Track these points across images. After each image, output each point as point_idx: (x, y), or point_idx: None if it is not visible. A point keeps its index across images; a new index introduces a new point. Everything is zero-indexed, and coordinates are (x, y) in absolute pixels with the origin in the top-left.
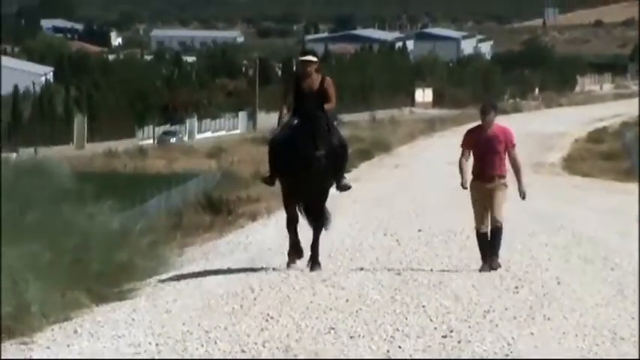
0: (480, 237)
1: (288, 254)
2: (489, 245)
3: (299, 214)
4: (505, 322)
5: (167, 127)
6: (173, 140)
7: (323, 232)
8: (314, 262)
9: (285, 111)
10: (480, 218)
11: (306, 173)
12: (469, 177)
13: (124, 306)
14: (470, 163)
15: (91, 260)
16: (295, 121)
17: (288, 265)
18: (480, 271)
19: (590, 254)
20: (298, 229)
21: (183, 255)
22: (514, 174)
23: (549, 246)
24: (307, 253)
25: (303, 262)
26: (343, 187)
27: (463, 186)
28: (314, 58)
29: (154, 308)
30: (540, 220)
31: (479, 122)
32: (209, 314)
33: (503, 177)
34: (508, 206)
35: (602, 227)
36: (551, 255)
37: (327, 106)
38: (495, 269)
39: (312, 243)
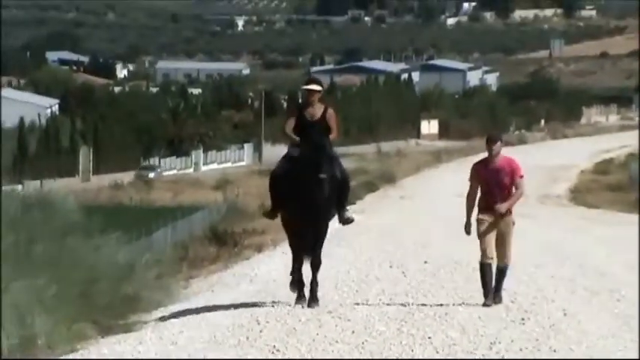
0: (484, 269)
1: (291, 284)
2: (495, 282)
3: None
4: (511, 354)
5: (145, 162)
6: (152, 175)
7: (323, 266)
8: (312, 299)
9: (293, 135)
10: (485, 251)
11: (307, 201)
12: (473, 221)
13: (129, 338)
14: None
15: (98, 293)
16: (296, 153)
17: (298, 298)
18: (483, 306)
19: (596, 286)
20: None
21: (189, 287)
22: (512, 195)
23: (555, 277)
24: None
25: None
26: (346, 220)
27: (467, 230)
28: (318, 87)
29: (160, 340)
30: (547, 252)
31: (485, 154)
32: (215, 346)
33: (510, 211)
34: (514, 238)
35: (609, 259)
36: (557, 286)
37: (331, 137)
38: (498, 303)
39: (311, 282)
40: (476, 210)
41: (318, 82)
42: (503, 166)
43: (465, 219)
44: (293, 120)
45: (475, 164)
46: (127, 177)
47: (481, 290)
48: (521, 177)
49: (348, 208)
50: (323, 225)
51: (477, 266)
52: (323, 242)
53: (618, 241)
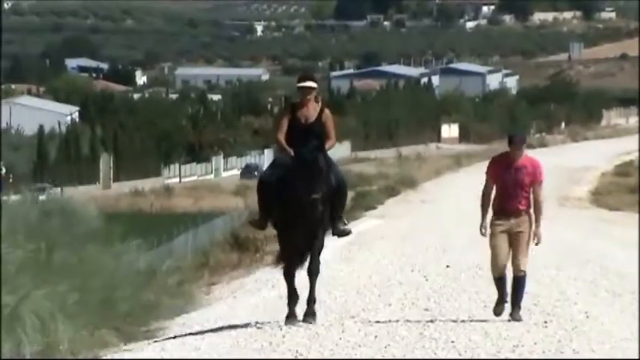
0: (497, 282)
1: (288, 305)
2: (512, 294)
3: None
4: (535, 356)
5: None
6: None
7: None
8: (307, 313)
9: (285, 144)
10: (497, 263)
11: (299, 217)
12: (488, 220)
13: (152, 345)
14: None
15: (119, 299)
16: (288, 160)
17: (288, 318)
18: (495, 313)
19: (617, 288)
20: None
21: (210, 293)
22: (534, 212)
23: (577, 280)
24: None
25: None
26: (341, 233)
27: (482, 231)
28: (313, 84)
29: (183, 346)
30: (568, 254)
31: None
32: (238, 352)
33: (529, 213)
34: (533, 242)
35: (630, 261)
36: (579, 289)
37: (327, 145)
38: (518, 321)
39: (309, 294)
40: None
41: (313, 79)
42: (525, 164)
43: (479, 220)
44: (286, 122)
45: (493, 159)
46: (147, 184)
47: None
48: (541, 182)
49: (344, 218)
50: (317, 242)
51: None
52: (321, 250)
53: (637, 242)
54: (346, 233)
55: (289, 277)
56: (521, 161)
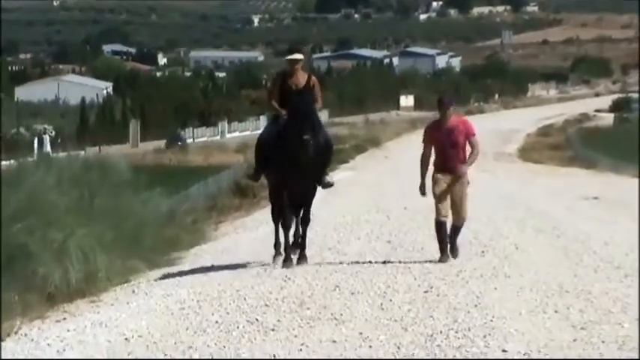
0: (439, 226)
1: (275, 247)
2: (450, 238)
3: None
4: (474, 280)
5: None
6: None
7: (324, 211)
8: (300, 257)
9: (277, 106)
10: (440, 209)
11: (294, 164)
12: (428, 182)
13: (171, 270)
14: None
15: (146, 235)
16: (282, 119)
17: (274, 260)
18: (439, 262)
19: (541, 225)
20: (289, 227)
21: (218, 230)
22: (468, 156)
23: (509, 219)
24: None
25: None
26: (326, 185)
27: (421, 191)
28: (300, 56)
29: (196, 272)
30: (501, 198)
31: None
32: (239, 276)
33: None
34: (474, 189)
35: (550, 203)
36: (510, 226)
37: (316, 105)
38: (455, 257)
39: (301, 237)
40: (431, 169)
41: (300, 51)
42: (456, 124)
43: (419, 180)
44: (277, 90)
45: (428, 126)
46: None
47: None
48: (474, 134)
49: (328, 172)
50: (309, 187)
51: None
52: (312, 202)
53: (558, 189)
54: (330, 185)
55: (278, 223)
56: (453, 123)
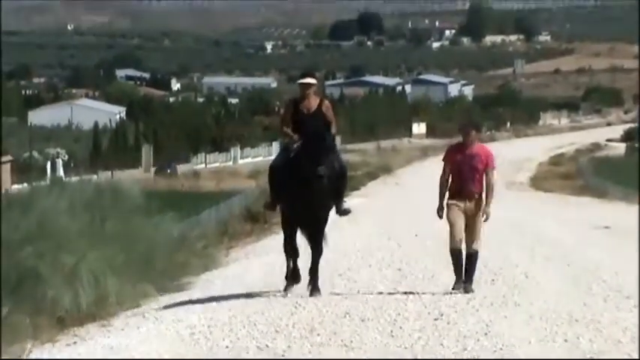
0: (454, 254)
1: (286, 278)
2: (465, 270)
3: (297, 239)
4: (484, 308)
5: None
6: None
7: (328, 244)
8: (314, 288)
9: (289, 131)
10: (455, 235)
11: (307, 192)
12: (444, 204)
13: (182, 296)
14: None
15: (157, 260)
16: (295, 145)
17: (286, 289)
18: (453, 289)
19: (551, 254)
20: (298, 255)
21: (229, 255)
22: (486, 193)
23: (519, 247)
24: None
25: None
26: (343, 212)
27: (439, 214)
28: (313, 80)
29: (206, 297)
30: (512, 227)
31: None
32: (250, 302)
33: (482, 197)
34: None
35: (561, 232)
36: (520, 254)
37: (332, 130)
38: (470, 292)
39: (311, 267)
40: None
41: (313, 76)
42: (478, 152)
43: (437, 203)
44: (289, 115)
45: (450, 147)
46: (179, 169)
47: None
48: (494, 168)
49: (345, 200)
50: (322, 216)
51: None
52: (323, 232)
53: (568, 218)
54: (348, 212)
55: (289, 253)
56: (475, 149)
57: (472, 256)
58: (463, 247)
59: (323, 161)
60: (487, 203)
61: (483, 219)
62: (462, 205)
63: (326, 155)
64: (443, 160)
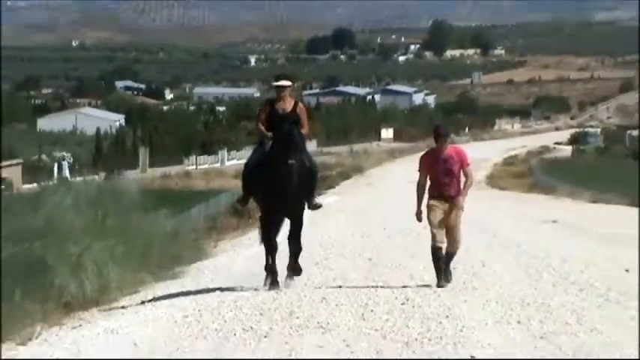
0: (436, 254)
1: (265, 269)
2: (445, 263)
3: (277, 233)
4: (446, 293)
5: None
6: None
7: (313, 230)
8: (294, 268)
9: (263, 129)
10: (436, 235)
11: (279, 184)
12: (423, 208)
13: (175, 283)
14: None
15: (153, 252)
16: (267, 143)
17: (267, 283)
18: (438, 287)
19: (506, 245)
20: (276, 250)
21: (217, 247)
22: (463, 187)
23: (478, 239)
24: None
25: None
26: (314, 206)
27: (418, 217)
28: (287, 83)
29: (197, 285)
30: (471, 222)
31: (433, 147)
32: (236, 289)
33: (460, 199)
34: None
35: (514, 226)
36: (478, 245)
37: (303, 131)
38: (450, 281)
39: (291, 263)
40: (426, 196)
41: (288, 78)
42: (451, 155)
43: (416, 207)
44: (264, 115)
45: (424, 155)
46: (173, 170)
47: (424, 248)
48: (468, 165)
49: (316, 195)
50: (297, 211)
51: (422, 232)
52: (301, 230)
53: (521, 213)
54: (319, 207)
55: (272, 256)
56: (448, 152)
57: (451, 255)
58: (444, 246)
59: (292, 156)
60: (463, 194)
61: (458, 208)
62: (441, 205)
63: (295, 150)
64: (419, 167)
